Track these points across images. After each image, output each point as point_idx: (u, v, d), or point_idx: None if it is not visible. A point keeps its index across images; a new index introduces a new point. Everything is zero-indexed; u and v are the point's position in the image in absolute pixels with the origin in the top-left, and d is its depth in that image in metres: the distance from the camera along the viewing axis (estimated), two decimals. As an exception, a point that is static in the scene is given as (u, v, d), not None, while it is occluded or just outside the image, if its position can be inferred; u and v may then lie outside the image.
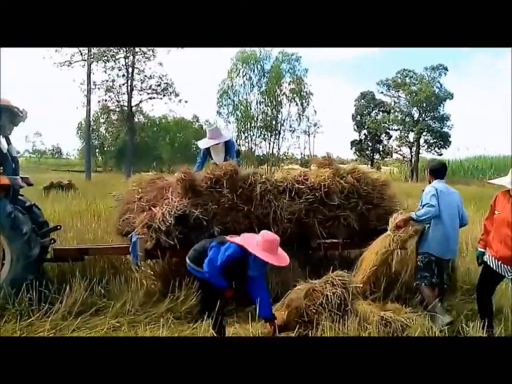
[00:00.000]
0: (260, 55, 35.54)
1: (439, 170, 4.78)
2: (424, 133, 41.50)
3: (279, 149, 36.65)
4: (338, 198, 4.93)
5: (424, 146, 41.98)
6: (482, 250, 4.29)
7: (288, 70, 35.34)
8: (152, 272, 5.25)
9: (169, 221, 4.55)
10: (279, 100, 35.53)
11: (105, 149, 46.37)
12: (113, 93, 30.26)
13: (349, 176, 5.03)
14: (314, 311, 4.02)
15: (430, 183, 4.71)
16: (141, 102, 31.60)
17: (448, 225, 4.53)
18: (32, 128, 54.19)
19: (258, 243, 3.85)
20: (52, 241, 5.20)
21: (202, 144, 6.24)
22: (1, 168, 4.85)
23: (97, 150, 46.57)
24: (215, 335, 3.81)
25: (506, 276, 4.07)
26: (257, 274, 4.08)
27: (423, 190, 4.66)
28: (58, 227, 5.71)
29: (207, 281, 3.95)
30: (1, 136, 5.06)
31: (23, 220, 4.64)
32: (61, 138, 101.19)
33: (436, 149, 41.48)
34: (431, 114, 41.13)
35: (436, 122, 41.07)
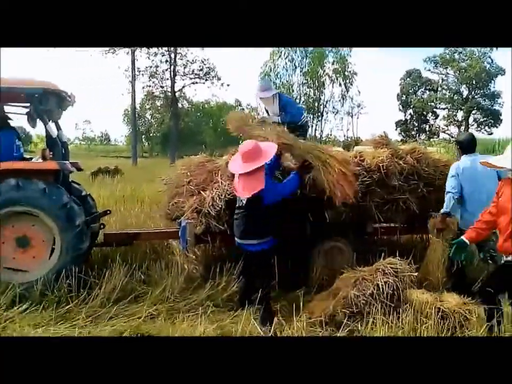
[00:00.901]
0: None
1: (464, 145, 4.54)
2: (473, 111, 39.91)
3: (321, 131, 35.94)
4: (397, 179, 4.62)
5: (473, 125, 40.44)
6: (464, 240, 3.59)
7: (332, 50, 34.38)
8: (194, 257, 5.19)
9: (219, 205, 4.41)
10: (321, 80, 34.70)
11: (151, 134, 47.15)
12: (157, 79, 30.61)
13: (408, 157, 4.70)
14: (364, 302, 3.79)
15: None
16: (184, 87, 31.86)
17: (475, 201, 4.26)
18: (82, 116, 55.84)
19: (243, 161, 3.88)
20: (102, 226, 5.18)
21: (255, 96, 6.05)
22: (51, 153, 4.84)
23: (143, 136, 47.43)
24: (261, 326, 3.76)
25: None
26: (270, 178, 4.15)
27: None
28: (108, 212, 5.70)
29: (264, 254, 3.97)
30: (50, 121, 5.05)
31: (78, 211, 4.63)
32: (109, 125, 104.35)
33: (486, 127, 39.85)
34: (481, 91, 39.46)
35: (486, 100, 39.42)
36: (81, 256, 4.64)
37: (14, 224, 4.55)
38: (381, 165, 4.54)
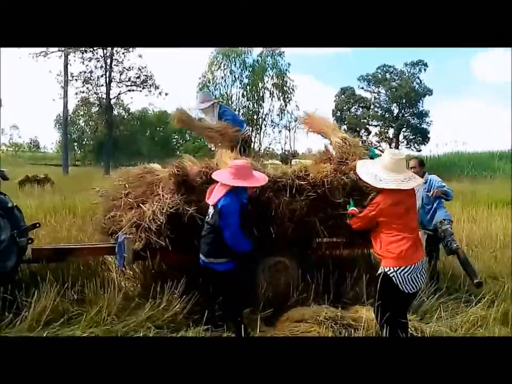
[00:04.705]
0: (241, 49, 35.01)
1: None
2: (403, 129, 41.88)
3: (260, 144, 36.26)
4: (342, 195, 4.61)
5: (403, 142, 42.41)
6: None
7: (272, 65, 34.91)
8: (132, 274, 4.92)
9: (160, 220, 4.17)
10: (261, 94, 35.10)
11: (84, 142, 45.36)
12: (91, 85, 29.61)
13: (352, 173, 4.69)
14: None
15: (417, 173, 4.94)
16: (119, 94, 31.02)
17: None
18: (9, 121, 52.73)
19: (232, 174, 3.84)
20: (30, 241, 4.76)
21: (193, 107, 5.99)
22: None
23: (75, 144, 45.53)
24: None
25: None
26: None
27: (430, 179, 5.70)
28: (37, 225, 5.27)
29: (229, 276, 3.84)
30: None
31: (3, 225, 4.24)
32: (39, 131, 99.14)
33: (415, 145, 41.94)
34: (411, 110, 41.55)
35: (415, 119, 41.53)
36: (6, 274, 4.22)
37: None
38: (325, 179, 4.51)
